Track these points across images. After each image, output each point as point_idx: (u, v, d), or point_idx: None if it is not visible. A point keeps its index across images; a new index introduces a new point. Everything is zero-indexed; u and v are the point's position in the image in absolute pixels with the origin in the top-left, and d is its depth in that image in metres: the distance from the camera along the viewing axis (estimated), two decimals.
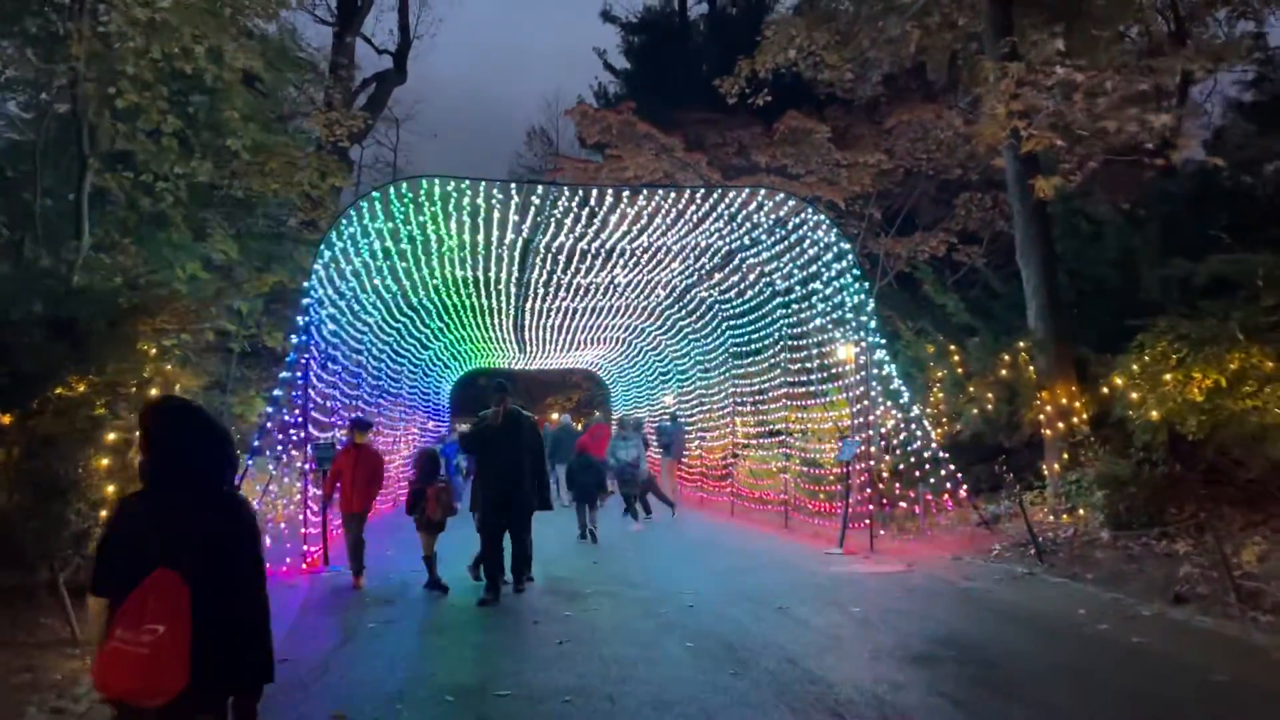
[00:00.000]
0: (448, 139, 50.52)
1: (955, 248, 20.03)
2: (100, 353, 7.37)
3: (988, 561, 11.84)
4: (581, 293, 20.96)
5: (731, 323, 19.38)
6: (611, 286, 20.21)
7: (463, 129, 58.77)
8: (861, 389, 13.61)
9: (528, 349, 31.09)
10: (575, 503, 15.25)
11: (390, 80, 36.63)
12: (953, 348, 14.71)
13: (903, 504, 13.85)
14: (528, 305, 22.41)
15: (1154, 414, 10.51)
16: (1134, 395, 10.86)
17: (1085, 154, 15.05)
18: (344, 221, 12.45)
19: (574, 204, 13.53)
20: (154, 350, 8.75)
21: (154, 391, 8.64)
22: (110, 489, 7.06)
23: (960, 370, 14.48)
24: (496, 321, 25.06)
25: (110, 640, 3.07)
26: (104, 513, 7.02)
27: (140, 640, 3.03)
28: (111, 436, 7.28)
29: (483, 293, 20.68)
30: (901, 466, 13.47)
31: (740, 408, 20.13)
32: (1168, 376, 10.13)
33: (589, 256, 16.88)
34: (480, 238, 14.54)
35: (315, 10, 35.54)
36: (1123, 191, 17.32)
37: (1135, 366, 10.90)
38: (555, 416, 54.48)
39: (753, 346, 18.51)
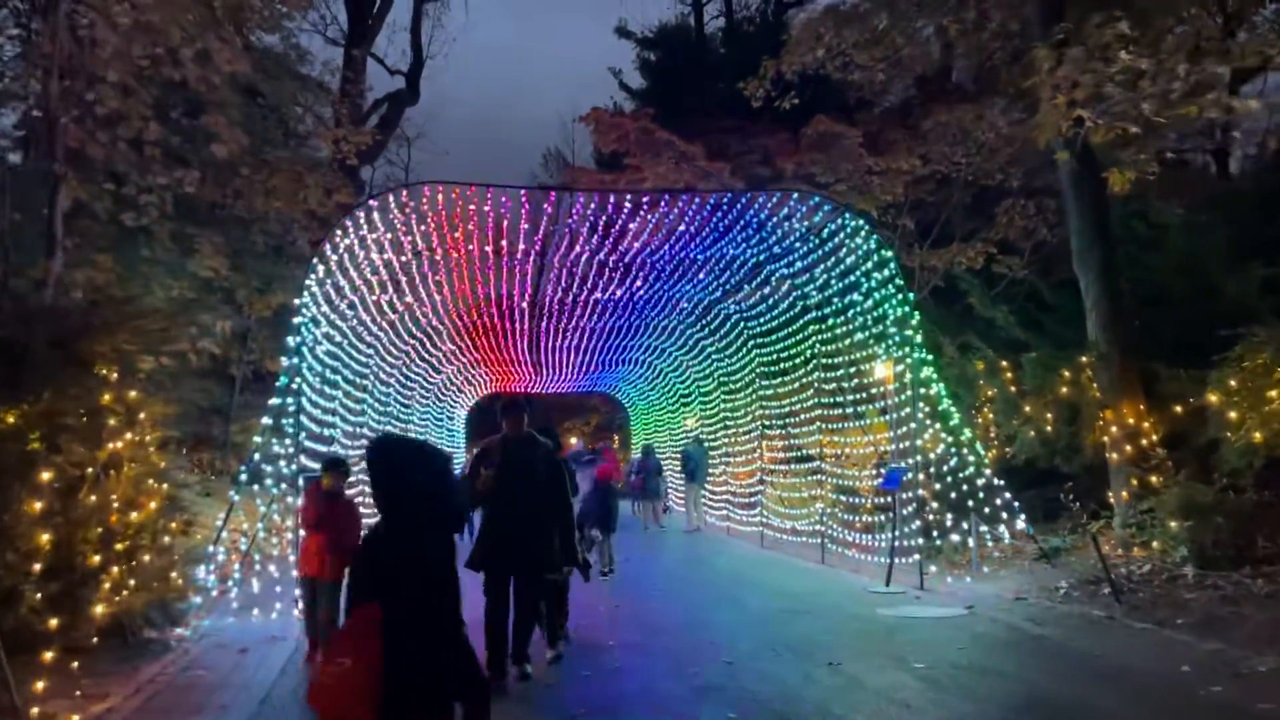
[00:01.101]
0: (461, 160, 49.89)
1: (995, 258, 18.79)
2: (38, 378, 6.33)
3: (1055, 602, 10.57)
4: (599, 311, 19.87)
5: (759, 340, 18.21)
6: (630, 303, 19.12)
7: (476, 151, 58.16)
8: (906, 410, 12.39)
9: (544, 372, 30.07)
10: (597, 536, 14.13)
11: (402, 100, 35.95)
12: (1004, 364, 13.47)
13: (954, 536, 12.57)
14: (543, 325, 21.35)
15: (1257, 435, 9.26)
16: (1232, 414, 9.60)
17: (1143, 150, 13.81)
18: (339, 233, 11.41)
19: (590, 211, 12.45)
20: (115, 374, 7.68)
21: (111, 421, 7.58)
22: (45, 537, 5.99)
23: (1013, 389, 13.24)
24: (511, 343, 24.02)
25: (321, 664, 3.50)
26: (38, 565, 5.96)
27: (331, 671, 3.31)
28: (47, 475, 6.20)
29: (495, 313, 19.63)
30: (953, 495, 12.22)
31: (769, 431, 18.93)
32: (1273, 393, 8.88)
33: (606, 271, 15.79)
34: (490, 250, 13.47)
35: (326, 31, 35.10)
36: (1179, 194, 16.11)
37: (1233, 382, 9.65)
38: (573, 441, 53.63)
39: (782, 365, 17.34)
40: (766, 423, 18.89)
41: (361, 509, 9.28)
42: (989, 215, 18.99)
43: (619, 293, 17.42)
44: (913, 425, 12.20)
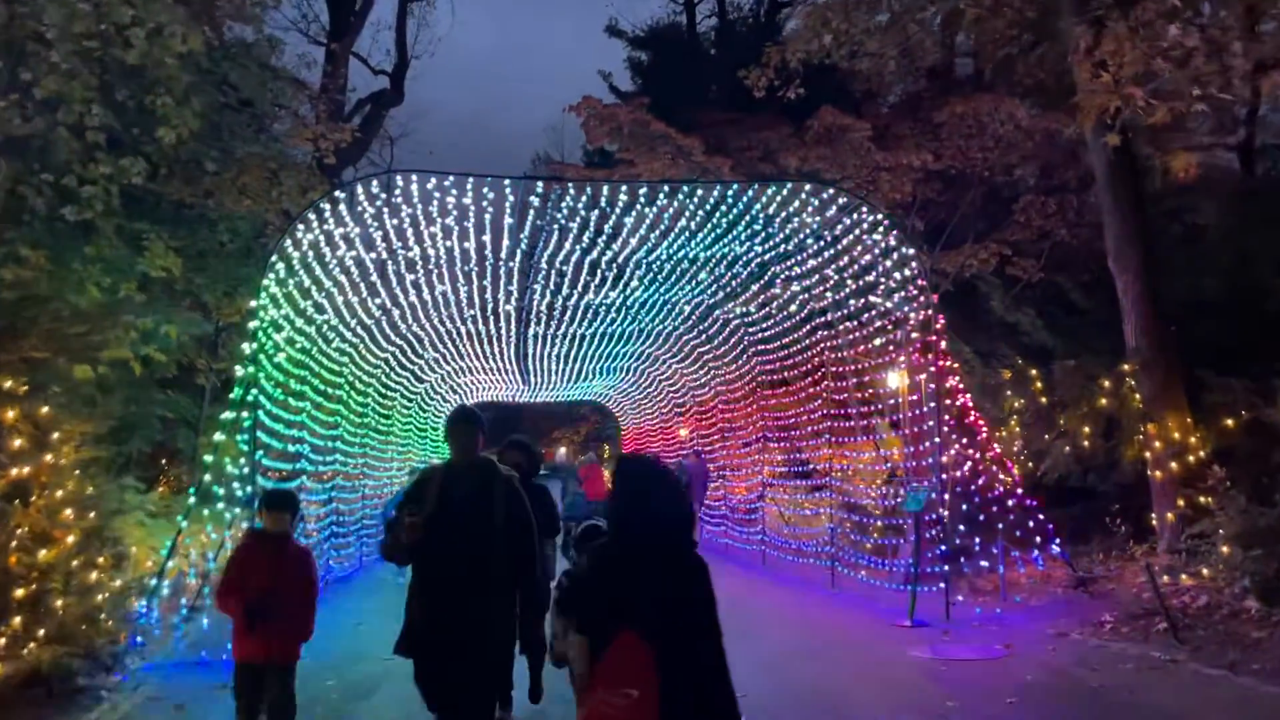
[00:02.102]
0: (447, 163, 48.69)
1: (1010, 260, 17.68)
2: None
3: (1103, 640, 9.45)
4: (590, 316, 18.73)
5: (761, 348, 17.10)
6: (624, 307, 17.98)
7: (462, 154, 57.16)
8: (929, 423, 11.27)
9: (533, 380, 28.91)
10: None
11: (386, 100, 34.77)
12: (1033, 372, 12.36)
13: (984, 563, 11.45)
14: (530, 331, 20.20)
15: None
16: None
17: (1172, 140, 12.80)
18: (301, 227, 10.24)
19: (581, 205, 11.31)
20: (24, 387, 6.49)
21: (18, 442, 6.38)
22: None
23: (1044, 399, 12.13)
24: (497, 350, 22.86)
25: (594, 696, 3.28)
26: None
27: (615, 704, 3.24)
28: None
29: (479, 316, 18.46)
30: (981, 516, 11.10)
31: (770, 444, 17.81)
32: None
33: (599, 272, 14.65)
34: (471, 247, 12.31)
35: (309, 30, 33.94)
36: (1208, 192, 15.09)
37: None
38: (563, 451, 52.48)
39: (785, 375, 16.23)
40: (769, 435, 17.76)
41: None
42: (1001, 216, 17.94)
43: (612, 295, 16.28)
44: (936, 440, 11.08)
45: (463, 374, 27.32)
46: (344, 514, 17.38)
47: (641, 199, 11.23)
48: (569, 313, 17.89)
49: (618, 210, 11.40)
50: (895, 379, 14.65)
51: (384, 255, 12.58)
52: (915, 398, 13.18)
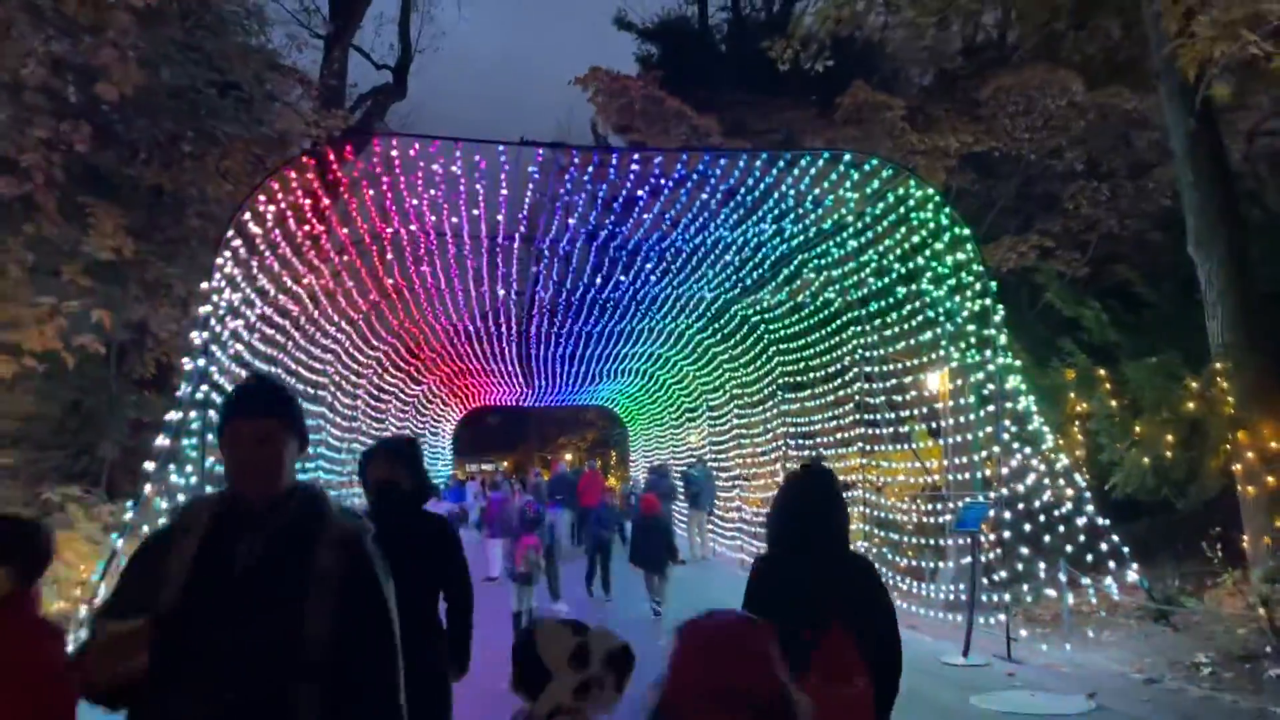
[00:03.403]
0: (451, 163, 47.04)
1: (1051, 253, 16.17)
2: None
3: (1203, 686, 7.97)
4: (596, 312, 17.32)
5: (783, 346, 15.66)
6: (633, 303, 16.57)
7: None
8: (981, 430, 9.81)
9: (537, 383, 27.54)
10: (645, 575, 12.06)
11: (389, 95, 33.63)
12: (1101, 373, 10.88)
13: (1050, 592, 9.97)
14: (533, 328, 18.80)
15: None
16: None
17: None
18: (261, 198, 8.83)
19: (587, 177, 9.90)
20: None
21: None
22: None
23: (1114, 403, 10.65)
24: (498, 349, 21.48)
25: (816, 694, 2.63)
26: None
27: (852, 694, 3.26)
28: None
29: (476, 312, 17.06)
30: (1047, 537, 9.62)
31: (791, 451, 16.35)
32: None
33: (606, 261, 13.24)
34: (464, 227, 10.91)
35: (309, 24, 32.68)
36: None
37: None
38: (569, 457, 51.07)
39: (811, 376, 14.78)
40: (790, 440, 16.31)
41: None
42: (1040, 207, 16.48)
43: (620, 288, 14.87)
44: (995, 449, 9.61)
45: (463, 376, 25.96)
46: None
47: (656, 170, 9.82)
48: (574, 308, 16.49)
49: (629, 182, 9.98)
50: (935, 381, 13.22)
51: (365, 236, 11.18)
52: (959, 402, 11.75)
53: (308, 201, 9.24)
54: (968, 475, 11.81)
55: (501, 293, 14.50)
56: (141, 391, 15.21)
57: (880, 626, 3.51)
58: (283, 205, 9.08)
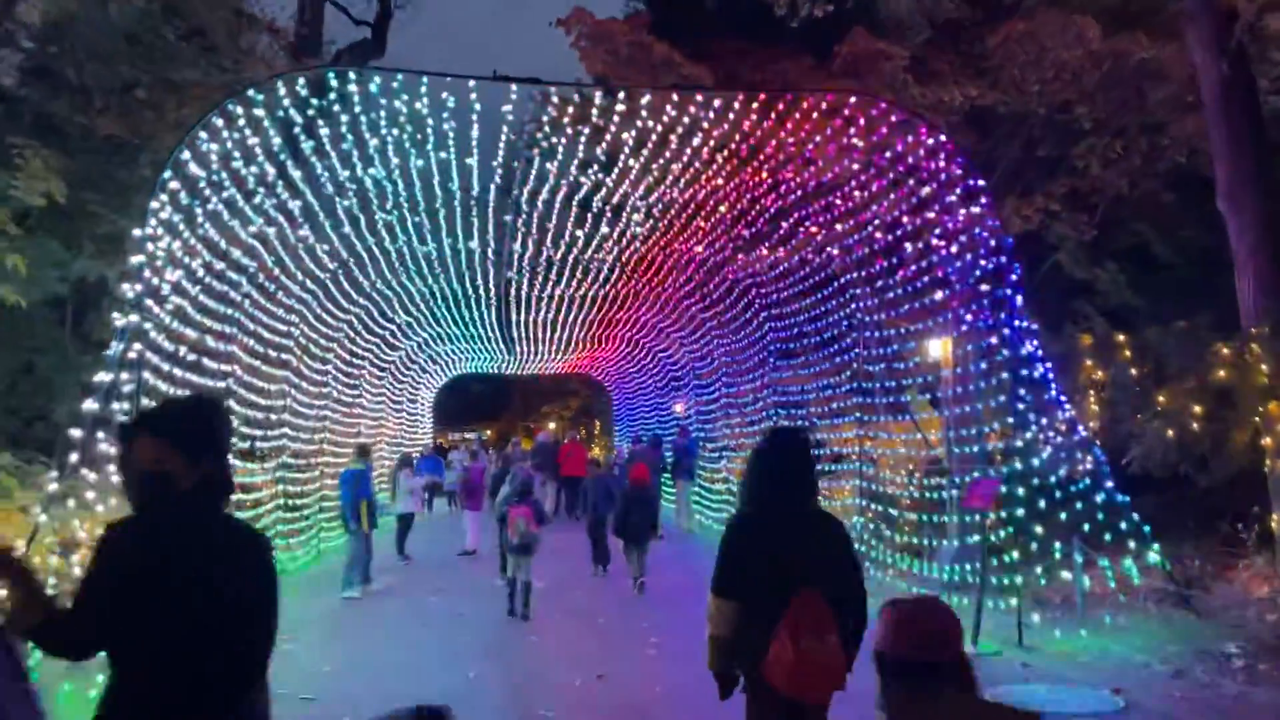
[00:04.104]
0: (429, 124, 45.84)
1: (1055, 216, 15.35)
2: None
3: (1238, 681, 7.28)
4: (577, 274, 16.47)
5: (775, 311, 14.86)
6: (618, 265, 15.74)
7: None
8: (1001, 398, 9.05)
9: (517, 350, 26.68)
10: (624, 547, 11.56)
11: (366, 52, 32.45)
12: (1121, 338, 10.13)
13: (1065, 574, 9.26)
14: (511, 292, 17.94)
15: None
16: None
17: None
18: (203, 135, 7.91)
19: (568, 118, 9.01)
20: None
21: None
22: None
23: (1134, 371, 9.90)
24: (476, 315, 20.60)
25: (796, 649, 3.36)
26: None
27: (828, 648, 3.40)
28: None
29: (451, 274, 16.17)
30: (1064, 515, 8.89)
31: (784, 421, 15.60)
32: None
33: (588, 218, 12.39)
34: (433, 172, 10.01)
35: None
36: None
37: None
38: (552, 426, 50.38)
39: (805, 342, 14.01)
40: (781, 411, 15.57)
41: None
42: (1044, 170, 15.64)
43: (603, 248, 14.04)
44: (1010, 420, 8.87)
45: (440, 342, 25.06)
46: (296, 497, 15.15)
47: (644, 113, 8.93)
48: (554, 268, 15.64)
49: (613, 126, 9.10)
50: (937, 348, 12.47)
51: (328, 185, 10.27)
52: (968, 368, 10.99)
53: (256, 140, 8.30)
54: (975, 449, 11.12)
55: (476, 248, 13.60)
56: (100, 353, 14.31)
57: (851, 585, 3.61)
58: (229, 144, 8.16)
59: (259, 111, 8.08)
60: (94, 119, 15.16)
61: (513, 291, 17.70)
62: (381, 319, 19.39)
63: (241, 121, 8.12)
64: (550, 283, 16.87)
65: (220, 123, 7.95)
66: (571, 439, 23.47)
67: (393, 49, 32.96)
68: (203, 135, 7.83)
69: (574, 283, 16.99)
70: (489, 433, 56.51)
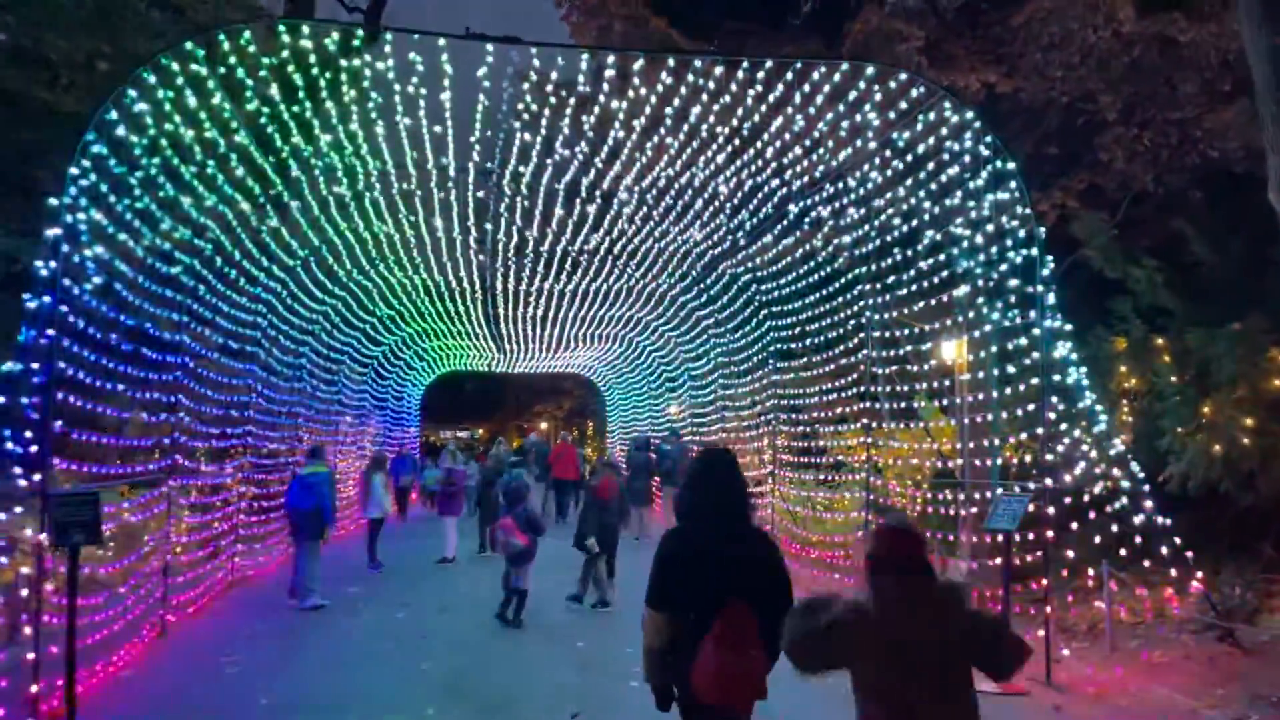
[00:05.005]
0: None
1: (1072, 214, 14.40)
2: None
3: None
4: (566, 268, 15.54)
5: (776, 309, 13.95)
6: (609, 257, 14.81)
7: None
8: (1030, 407, 8.13)
9: (507, 347, 25.73)
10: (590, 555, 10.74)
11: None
12: (1160, 342, 9.20)
13: (1099, 604, 8.35)
14: (498, 285, 17.00)
15: None
16: None
17: None
18: (133, 94, 6.94)
19: (551, 88, 8.07)
20: None
21: None
22: None
23: (1175, 379, 8.97)
24: (461, 309, 19.65)
25: (719, 660, 3.52)
26: None
27: (749, 660, 3.55)
28: None
29: (433, 265, 15.23)
30: (1098, 539, 7.97)
31: (783, 427, 14.71)
32: None
33: (576, 204, 11.46)
34: (405, 144, 9.07)
35: None
36: None
37: None
38: (544, 426, 49.41)
39: (807, 343, 13.10)
40: (780, 415, 14.65)
41: None
42: (1059, 165, 14.70)
43: (593, 239, 13.11)
44: (1038, 431, 7.93)
45: (426, 338, 24.10)
46: (262, 499, 14.20)
47: (636, 81, 8.00)
48: (542, 260, 14.71)
49: (603, 96, 8.16)
50: (950, 349, 11.55)
51: (284, 153, 9.30)
52: (983, 374, 10.09)
53: (195, 100, 7.35)
54: (991, 460, 10.21)
55: (458, 236, 12.66)
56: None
57: (779, 598, 3.65)
58: (167, 106, 7.20)
59: (200, 69, 7.13)
60: (58, 96, 14.29)
61: (498, 284, 16.77)
62: (361, 312, 18.46)
63: (180, 80, 7.17)
64: (538, 276, 15.94)
65: (155, 80, 7.00)
66: (563, 440, 22.56)
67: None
68: (133, 94, 6.87)
69: (562, 276, 16.06)
70: (481, 431, 55.62)
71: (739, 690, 3.60)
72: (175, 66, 7.06)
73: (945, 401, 10.83)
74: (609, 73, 7.88)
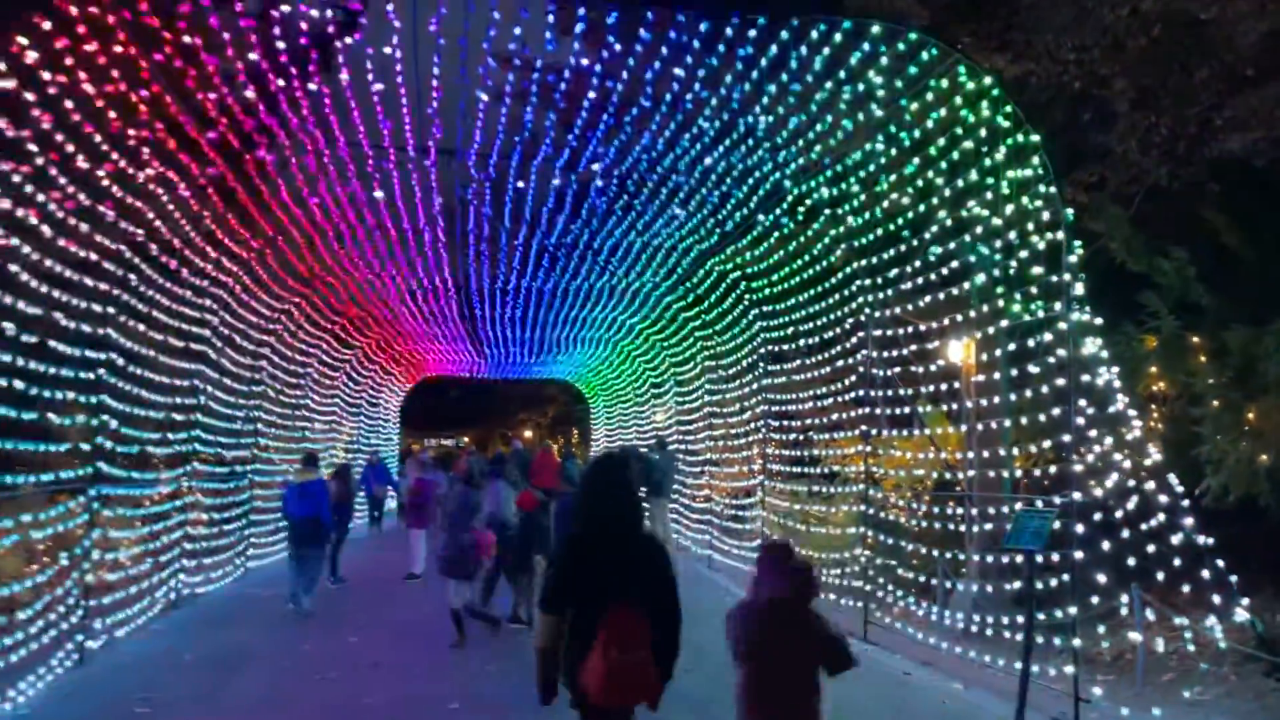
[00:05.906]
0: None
1: (1084, 208, 13.51)
2: None
3: None
4: (543, 265, 14.59)
5: (767, 309, 13.04)
6: (589, 254, 13.88)
7: None
8: (1056, 412, 7.19)
9: (488, 352, 24.77)
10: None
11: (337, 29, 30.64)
12: (1195, 340, 8.29)
13: (1134, 636, 7.40)
14: (473, 283, 16.03)
15: None
16: None
17: None
18: (22, 41, 5.95)
19: (512, 43, 7.13)
20: None
21: None
22: None
23: (1211, 381, 8.06)
24: (435, 309, 18.65)
25: (606, 660, 3.61)
26: None
27: (635, 661, 3.65)
28: None
29: (399, 260, 14.24)
30: (1131, 561, 7.03)
31: (773, 435, 13.78)
32: None
33: (550, 192, 10.52)
34: (357, 121, 8.12)
35: None
36: None
37: None
38: (528, 434, 48.38)
39: (802, 343, 12.18)
40: (771, 421, 13.72)
41: None
42: (1065, 161, 13.82)
43: (571, 232, 12.17)
44: (1063, 438, 7.00)
45: (401, 340, 23.09)
46: (216, 510, 13.17)
47: (610, 39, 7.08)
48: (517, 255, 13.76)
49: (573, 57, 7.23)
50: (958, 349, 10.64)
51: (220, 123, 8.33)
52: (997, 376, 9.18)
53: (95, 47, 6.35)
54: (1005, 471, 9.30)
55: (426, 229, 11.71)
56: None
57: (665, 602, 3.86)
58: (65, 56, 6.22)
59: (103, 11, 6.15)
60: None
61: (472, 283, 15.80)
62: (329, 311, 17.48)
63: (82, 30, 6.19)
64: (515, 272, 14.97)
65: (50, 26, 6.02)
66: (545, 448, 21.56)
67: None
68: (22, 41, 5.89)
69: (539, 275, 15.11)
70: (465, 439, 54.57)
71: (626, 690, 3.67)
72: (74, 9, 6.08)
73: (952, 407, 9.92)
74: (579, 27, 6.96)
